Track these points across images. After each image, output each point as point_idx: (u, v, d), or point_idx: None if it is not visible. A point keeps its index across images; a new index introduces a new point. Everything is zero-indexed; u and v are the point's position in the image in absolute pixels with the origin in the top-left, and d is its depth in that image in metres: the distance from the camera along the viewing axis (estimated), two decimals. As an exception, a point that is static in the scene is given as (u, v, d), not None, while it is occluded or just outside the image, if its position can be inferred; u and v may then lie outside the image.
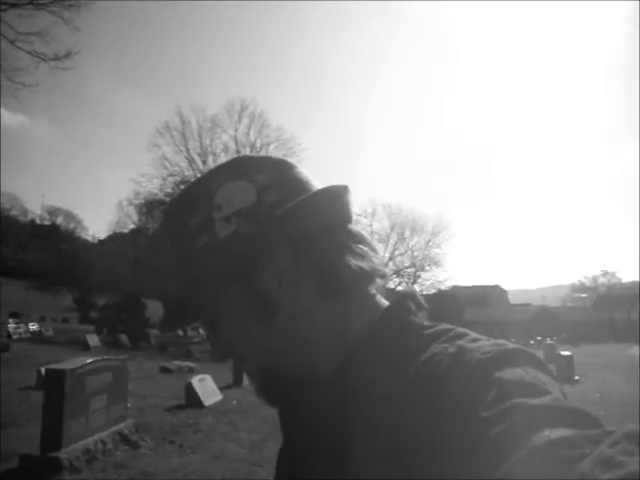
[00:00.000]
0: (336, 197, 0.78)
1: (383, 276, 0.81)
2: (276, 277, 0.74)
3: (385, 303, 0.80)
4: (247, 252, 0.73)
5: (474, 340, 0.68)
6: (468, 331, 0.72)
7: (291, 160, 0.84)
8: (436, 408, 0.59)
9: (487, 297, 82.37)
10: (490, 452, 0.50)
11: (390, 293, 0.81)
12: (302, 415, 0.77)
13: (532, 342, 45.37)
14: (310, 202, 0.75)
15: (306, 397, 0.75)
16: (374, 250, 0.80)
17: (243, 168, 0.79)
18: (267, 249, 0.73)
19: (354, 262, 0.76)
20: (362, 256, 0.77)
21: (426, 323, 0.75)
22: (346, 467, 0.65)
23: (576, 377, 17.06)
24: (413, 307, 0.78)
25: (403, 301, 0.79)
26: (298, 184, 0.79)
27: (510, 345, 0.65)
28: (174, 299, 0.79)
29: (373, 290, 0.80)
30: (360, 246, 0.78)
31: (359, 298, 0.78)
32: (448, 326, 0.73)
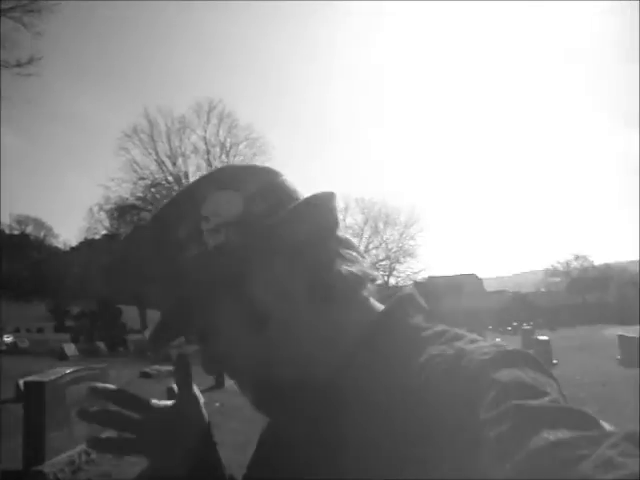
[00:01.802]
0: (324, 204, 0.78)
1: (374, 280, 0.81)
2: (269, 287, 0.73)
3: (380, 306, 0.80)
4: (238, 262, 0.72)
5: (472, 341, 0.68)
6: (466, 332, 0.72)
7: (275, 168, 0.83)
8: (435, 410, 0.59)
9: (463, 286, 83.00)
10: (490, 454, 0.50)
11: (389, 291, 0.81)
12: (296, 421, 0.76)
13: (509, 328, 45.89)
14: (300, 210, 0.75)
15: (301, 404, 0.74)
16: (362, 255, 0.81)
17: (228, 178, 0.79)
18: (258, 259, 0.73)
19: (346, 268, 0.76)
20: (353, 261, 0.77)
21: (423, 325, 0.75)
22: (342, 472, 0.65)
23: (554, 361, 17.30)
24: (410, 309, 0.78)
25: (400, 303, 0.79)
26: (285, 192, 0.78)
27: (509, 347, 0.65)
28: (163, 312, 0.77)
29: (366, 294, 0.80)
30: (350, 251, 0.78)
31: (353, 303, 0.77)
32: (446, 327, 0.73)
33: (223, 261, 0.72)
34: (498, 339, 22.93)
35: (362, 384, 0.68)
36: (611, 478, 0.39)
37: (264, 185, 0.77)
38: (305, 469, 0.71)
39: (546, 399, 0.54)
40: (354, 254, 0.79)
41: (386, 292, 0.83)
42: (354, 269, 0.76)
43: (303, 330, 0.74)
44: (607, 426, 0.64)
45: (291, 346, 0.74)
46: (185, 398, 0.90)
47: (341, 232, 0.80)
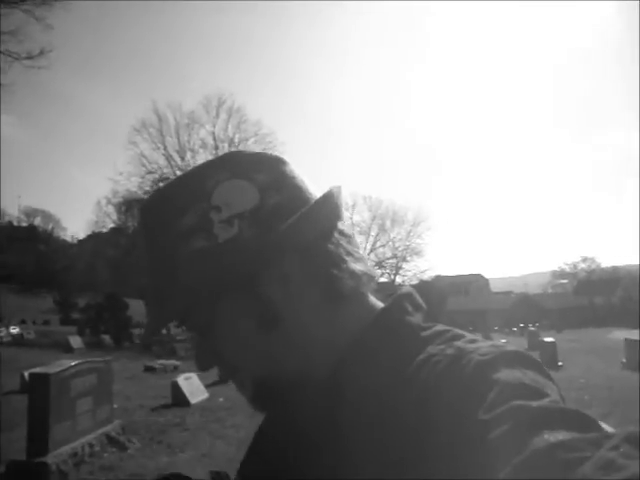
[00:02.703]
0: (335, 201, 0.76)
1: (373, 277, 0.80)
2: (280, 285, 0.71)
3: (380, 304, 0.79)
4: (251, 258, 0.69)
5: (472, 341, 0.67)
6: (465, 332, 0.72)
7: (284, 157, 0.81)
8: (434, 410, 0.59)
9: (469, 286, 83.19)
10: (490, 455, 0.49)
11: (388, 289, 0.80)
12: (294, 418, 0.75)
13: (515, 329, 45.88)
14: (317, 209, 0.72)
15: (299, 401, 0.73)
16: (358, 247, 0.79)
17: (241, 165, 0.75)
18: (272, 256, 0.70)
19: (357, 267, 0.75)
20: (360, 259, 0.77)
21: (423, 324, 0.74)
22: (337, 470, 0.65)
23: (560, 363, 17.22)
24: (410, 308, 0.77)
25: (399, 302, 0.78)
26: (296, 184, 0.76)
27: (509, 347, 0.65)
28: (157, 303, 0.73)
29: (368, 292, 0.79)
30: (354, 248, 0.77)
31: (358, 301, 0.77)
32: (445, 327, 0.73)
33: (236, 257, 0.68)
34: (504, 340, 22.92)
35: (360, 382, 0.68)
36: None
37: (276, 176, 0.75)
38: (298, 466, 0.71)
39: (546, 400, 0.53)
40: (360, 252, 0.78)
41: (392, 291, 0.81)
42: (363, 268, 0.76)
43: (312, 329, 0.73)
44: (607, 428, 0.63)
45: (300, 345, 0.73)
46: None
47: (347, 228, 0.79)
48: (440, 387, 0.60)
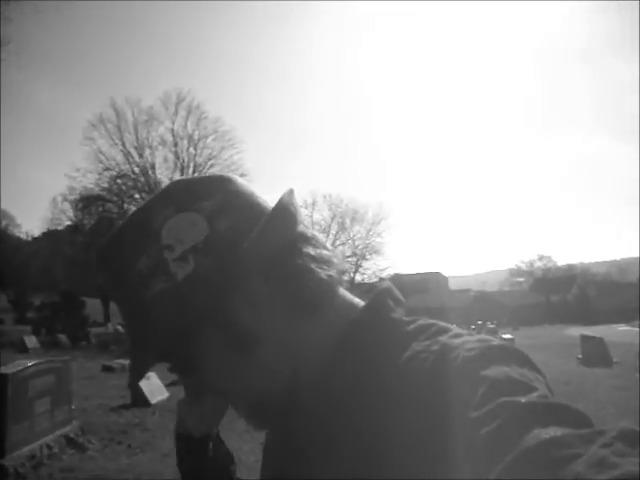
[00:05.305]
0: (290, 208, 0.75)
1: (344, 272, 0.79)
2: (250, 307, 0.71)
3: (358, 302, 0.79)
4: (213, 289, 0.68)
5: (457, 336, 0.67)
6: (449, 325, 0.71)
7: (229, 175, 0.79)
8: (422, 409, 0.59)
9: (428, 284, 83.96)
10: (481, 453, 0.49)
11: (356, 288, 0.80)
12: (288, 426, 0.75)
13: (473, 327, 46.42)
14: (271, 224, 0.71)
15: (291, 411, 0.74)
16: (325, 247, 0.78)
17: (183, 197, 0.74)
18: (235, 282, 0.69)
19: (324, 272, 0.74)
20: (327, 261, 0.76)
21: (406, 319, 0.74)
22: (330, 473, 0.65)
23: (517, 359, 17.45)
24: (391, 303, 0.76)
25: (381, 298, 0.77)
26: (246, 202, 0.75)
27: (495, 341, 0.65)
28: (137, 350, 0.73)
29: (343, 291, 0.79)
30: (320, 251, 0.76)
31: (334, 305, 0.76)
32: (430, 321, 0.73)
33: (198, 292, 0.68)
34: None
35: (348, 384, 0.68)
36: (605, 478, 0.39)
37: (223, 199, 0.73)
38: (295, 471, 0.72)
39: (534, 395, 0.53)
40: (324, 252, 0.77)
41: (351, 289, 0.81)
42: (330, 271, 0.75)
43: (291, 343, 0.73)
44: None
45: (281, 360, 0.73)
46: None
47: (307, 229, 0.78)
48: (427, 385, 0.60)
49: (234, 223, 0.71)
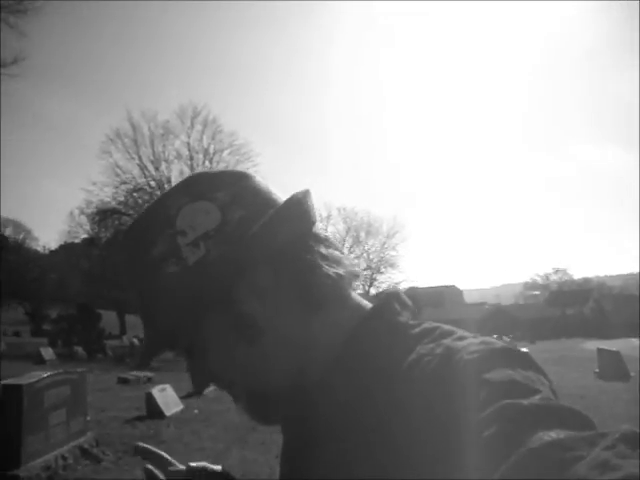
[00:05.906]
0: (302, 205, 0.77)
1: (357, 276, 0.80)
2: (257, 297, 0.72)
3: (367, 304, 0.80)
4: (221, 276, 0.70)
5: (460, 338, 0.67)
6: (454, 328, 0.72)
7: (247, 171, 0.82)
8: (426, 411, 0.59)
9: (443, 297, 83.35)
10: (484, 455, 0.50)
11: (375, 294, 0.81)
12: (289, 423, 0.77)
13: (489, 340, 45.88)
14: (281, 215, 0.73)
15: (294, 407, 0.75)
16: (339, 250, 0.80)
17: (199, 187, 0.77)
18: (242, 270, 0.71)
19: (332, 270, 0.75)
20: (337, 261, 0.77)
21: (411, 322, 0.75)
22: (332, 473, 0.66)
23: (533, 373, 17.23)
24: (398, 307, 0.77)
25: (388, 301, 0.78)
26: (260, 196, 0.77)
27: (498, 344, 0.65)
28: (148, 332, 0.76)
29: (353, 293, 0.80)
30: (331, 250, 0.78)
31: (342, 304, 0.77)
32: (434, 324, 0.73)
33: (207, 277, 0.70)
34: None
35: (353, 385, 0.68)
36: None
37: (238, 191, 0.76)
38: (302, 472, 0.72)
39: (537, 397, 0.53)
40: (336, 253, 0.78)
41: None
42: (340, 270, 0.76)
43: (296, 337, 0.74)
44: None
45: (285, 354, 0.74)
46: None
47: (321, 230, 0.79)
48: (431, 388, 0.60)
49: (247, 214, 0.73)
